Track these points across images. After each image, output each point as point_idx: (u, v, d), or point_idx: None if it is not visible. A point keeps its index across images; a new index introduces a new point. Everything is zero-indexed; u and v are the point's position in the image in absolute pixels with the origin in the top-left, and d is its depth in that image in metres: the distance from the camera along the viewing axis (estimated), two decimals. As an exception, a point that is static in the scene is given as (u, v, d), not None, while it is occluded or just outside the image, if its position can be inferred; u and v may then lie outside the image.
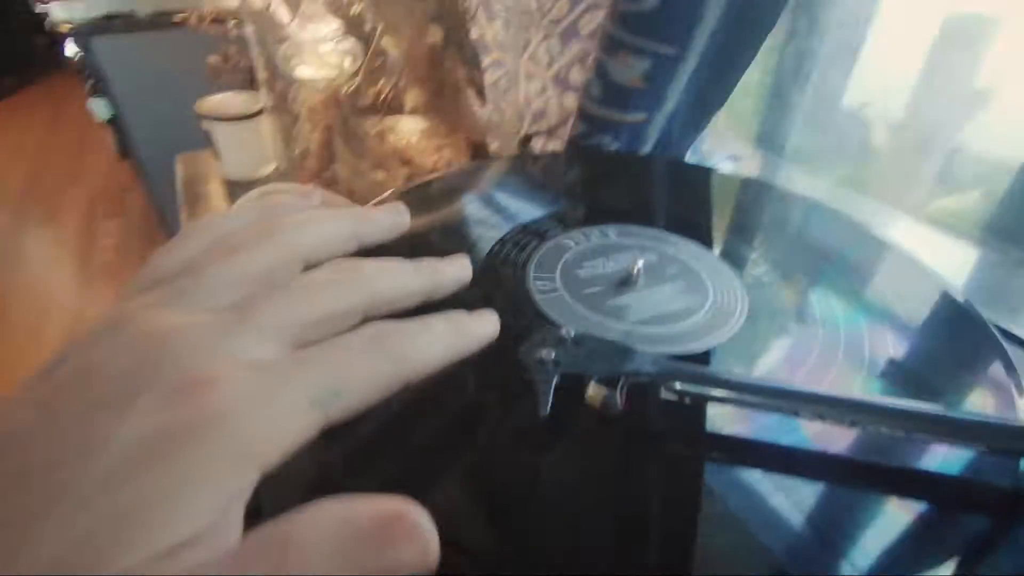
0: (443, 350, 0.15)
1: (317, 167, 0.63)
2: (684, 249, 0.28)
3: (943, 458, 0.18)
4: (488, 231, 0.30)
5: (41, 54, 2.67)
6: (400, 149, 0.57)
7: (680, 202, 0.34)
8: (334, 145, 0.60)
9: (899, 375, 0.22)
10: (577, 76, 0.46)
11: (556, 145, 0.49)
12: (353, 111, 0.57)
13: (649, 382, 0.18)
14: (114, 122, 1.32)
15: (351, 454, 0.18)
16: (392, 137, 0.59)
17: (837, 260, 0.29)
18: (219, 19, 0.78)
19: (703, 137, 0.42)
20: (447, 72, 0.55)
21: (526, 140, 0.52)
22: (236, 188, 0.66)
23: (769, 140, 0.50)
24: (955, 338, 0.25)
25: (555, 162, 0.40)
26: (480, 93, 0.58)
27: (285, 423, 0.12)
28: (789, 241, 0.31)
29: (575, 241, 0.29)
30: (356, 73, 0.56)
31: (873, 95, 0.49)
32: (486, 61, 0.66)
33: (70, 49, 1.19)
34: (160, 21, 1.17)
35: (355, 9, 0.56)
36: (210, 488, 0.11)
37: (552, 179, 0.37)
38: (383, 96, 0.56)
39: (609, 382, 0.19)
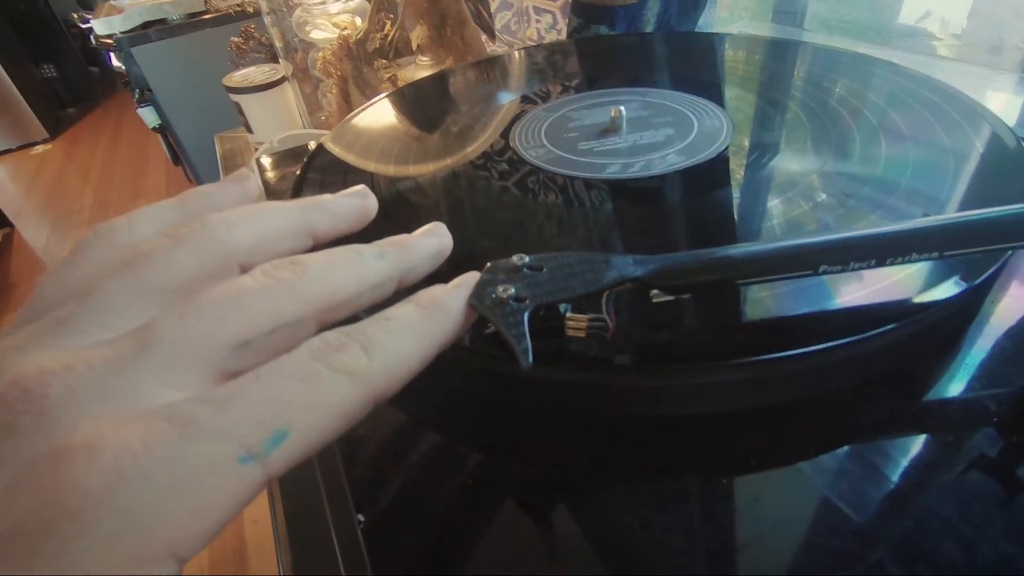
0: (415, 345, 0.12)
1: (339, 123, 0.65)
2: (685, 103, 0.28)
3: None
4: (492, 101, 0.31)
5: (98, 80, 2.87)
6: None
7: (687, 65, 0.33)
8: (351, 98, 0.61)
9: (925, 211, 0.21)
10: None
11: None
12: (364, 58, 0.58)
13: (637, 287, 0.15)
14: (162, 128, 1.40)
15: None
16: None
17: (861, 99, 0.28)
18: (240, 6, 0.81)
19: (710, 19, 0.41)
20: (447, 5, 0.55)
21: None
22: (269, 156, 0.69)
23: (785, 12, 0.48)
24: (993, 167, 0.23)
25: (558, 49, 0.40)
26: (487, 31, 0.59)
27: (200, 492, 0.09)
28: (808, 90, 0.30)
29: (572, 102, 0.29)
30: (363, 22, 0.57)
31: (931, 5, 0.45)
32: (495, 4, 0.65)
33: (115, 62, 1.27)
34: (191, 23, 1.23)
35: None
36: None
37: (556, 63, 0.37)
38: (389, 38, 0.57)
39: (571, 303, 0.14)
